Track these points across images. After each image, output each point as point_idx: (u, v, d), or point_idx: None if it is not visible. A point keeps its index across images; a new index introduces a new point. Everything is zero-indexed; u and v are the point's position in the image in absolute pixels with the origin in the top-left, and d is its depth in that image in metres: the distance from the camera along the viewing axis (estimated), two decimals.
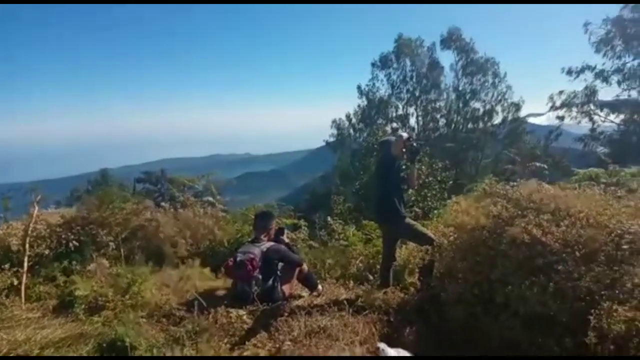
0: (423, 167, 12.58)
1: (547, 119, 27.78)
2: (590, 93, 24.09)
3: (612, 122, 24.56)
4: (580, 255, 3.24)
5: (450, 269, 4.12)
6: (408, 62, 32.29)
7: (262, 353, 3.66)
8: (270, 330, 3.93)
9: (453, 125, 31.50)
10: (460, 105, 31.37)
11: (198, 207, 6.79)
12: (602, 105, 24.58)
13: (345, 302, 4.34)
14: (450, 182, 13.33)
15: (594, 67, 23.64)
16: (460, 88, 31.43)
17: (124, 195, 7.08)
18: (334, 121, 33.63)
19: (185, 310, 4.23)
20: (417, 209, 11.82)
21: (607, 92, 24.51)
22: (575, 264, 3.20)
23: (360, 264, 5.86)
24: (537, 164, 5.89)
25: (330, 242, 6.93)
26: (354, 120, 33.08)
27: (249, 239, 5.05)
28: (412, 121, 32.31)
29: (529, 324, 3.26)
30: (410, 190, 13.02)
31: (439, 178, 13.09)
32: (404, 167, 4.95)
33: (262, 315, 4.13)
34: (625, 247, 3.06)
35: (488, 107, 30.69)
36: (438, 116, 32.13)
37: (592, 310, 2.85)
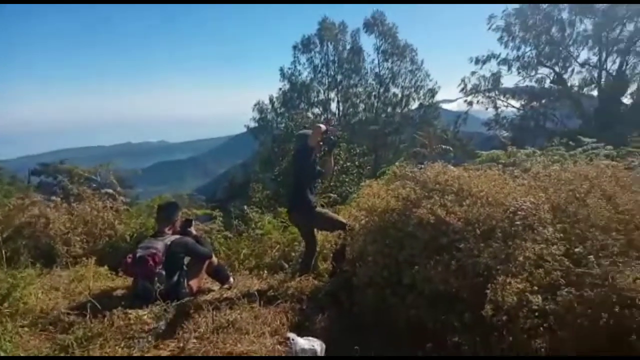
0: (341, 152, 12.70)
1: (457, 106, 29.50)
2: (495, 79, 25.93)
3: (513, 107, 26.73)
4: (480, 232, 3.34)
5: (361, 253, 4.11)
6: (330, 47, 32.42)
7: (165, 354, 3.39)
8: (175, 329, 3.66)
9: (373, 111, 32.28)
10: (381, 90, 32.17)
11: (96, 200, 6.18)
12: (505, 91, 26.63)
13: (256, 293, 4.18)
14: (369, 167, 13.63)
15: (499, 56, 25.49)
16: (381, 73, 32.20)
17: (7, 189, 6.26)
18: (256, 104, 32.68)
19: (76, 315, 3.81)
20: (334, 195, 11.95)
21: (509, 80, 26.58)
22: (476, 241, 3.30)
23: (276, 253, 5.72)
24: (443, 147, 6.14)
25: (246, 232, 6.71)
26: (276, 104, 32.55)
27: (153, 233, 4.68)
28: (334, 106, 32.62)
29: (434, 303, 3.32)
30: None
31: (357, 163, 13.31)
32: (320, 158, 4.88)
33: (165, 314, 3.83)
34: (518, 222, 3.20)
35: (406, 92, 31.82)
36: (358, 101, 32.73)
37: (489, 285, 2.94)
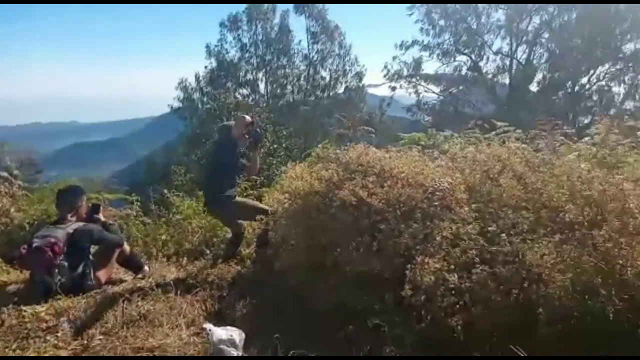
0: (268, 134, 12.47)
1: (382, 90, 30.20)
2: (416, 65, 26.85)
3: (433, 93, 27.95)
4: (401, 213, 3.35)
5: (284, 237, 3.99)
6: (259, 26, 31.51)
7: (65, 353, 3.06)
8: (77, 325, 3.32)
9: (302, 93, 32.08)
10: (311, 72, 31.95)
11: None
12: (426, 77, 27.72)
13: (172, 282, 3.92)
14: (297, 149, 13.52)
15: (422, 42, 26.39)
16: (310, 55, 31.95)
17: None
18: (180, 83, 30.86)
19: None
20: (261, 177, 11.76)
21: (430, 66, 27.66)
22: (396, 222, 3.31)
23: (197, 239, 5.45)
24: (365, 128, 6.16)
25: (166, 217, 6.33)
26: (202, 83, 31.09)
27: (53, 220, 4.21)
28: (262, 87, 31.95)
29: (357, 285, 3.30)
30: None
31: (284, 145, 13.16)
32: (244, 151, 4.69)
33: (67, 309, 3.47)
34: (436, 203, 3.25)
35: (335, 75, 31.92)
36: (286, 83, 32.33)
37: (409, 265, 2.96)
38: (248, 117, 4.50)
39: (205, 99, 30.42)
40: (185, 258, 4.86)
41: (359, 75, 31.91)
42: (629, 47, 22.08)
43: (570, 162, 3.47)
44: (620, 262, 2.63)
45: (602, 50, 21.87)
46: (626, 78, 22.67)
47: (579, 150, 4.18)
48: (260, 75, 31.94)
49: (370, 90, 33.12)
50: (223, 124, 4.94)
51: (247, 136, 4.55)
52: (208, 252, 5.06)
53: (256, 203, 4.67)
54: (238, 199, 4.64)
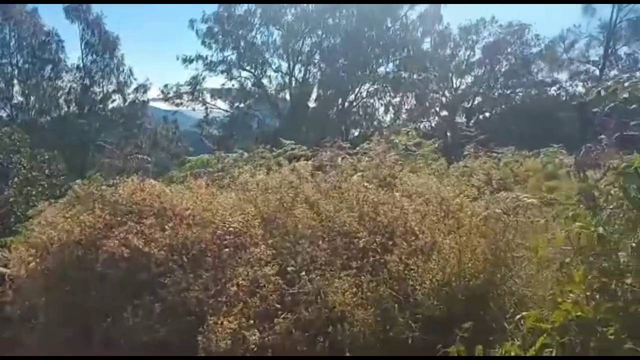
0: (23, 158, 10.06)
1: (170, 105, 28.44)
2: (198, 82, 26.28)
3: (219, 109, 27.79)
4: (188, 260, 2.81)
5: (31, 310, 2.96)
6: (14, 29, 25.61)
7: None
8: None
9: (72, 108, 27.48)
10: (87, 83, 27.53)
11: None
12: (212, 92, 27.36)
13: None
14: (64, 176, 11.22)
15: (205, 57, 25.86)
16: (82, 66, 27.50)
17: None
18: None
19: None
20: (19, 212, 9.38)
21: (217, 81, 27.40)
22: (183, 271, 2.76)
23: None
24: (140, 156, 5.29)
25: None
26: None
27: None
28: (20, 99, 26.14)
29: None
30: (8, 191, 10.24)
31: (47, 172, 10.82)
32: None
33: None
34: (227, 243, 2.82)
35: (112, 88, 28.39)
36: (54, 96, 27.22)
37: (201, 327, 2.43)
38: None
39: None
40: None
41: (144, 88, 29.17)
42: (382, 70, 26.25)
43: (357, 184, 3.50)
44: (411, 283, 2.67)
45: (363, 72, 25.39)
46: (383, 96, 26.81)
47: (362, 169, 4.35)
48: (17, 88, 26.02)
49: (156, 105, 30.77)
50: None
51: None
52: None
53: None
54: None
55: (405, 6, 24.20)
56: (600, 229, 2.00)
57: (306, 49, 26.60)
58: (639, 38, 21.16)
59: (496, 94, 26.41)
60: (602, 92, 2.29)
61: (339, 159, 5.92)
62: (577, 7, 21.86)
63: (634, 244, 1.90)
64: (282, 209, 3.20)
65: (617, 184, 1.84)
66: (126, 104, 28.77)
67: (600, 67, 22.32)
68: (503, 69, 25.68)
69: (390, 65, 25.84)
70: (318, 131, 21.29)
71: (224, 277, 2.65)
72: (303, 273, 2.61)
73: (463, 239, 2.87)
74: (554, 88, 25.66)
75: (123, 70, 27.98)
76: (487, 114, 27.17)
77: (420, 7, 24.27)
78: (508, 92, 26.14)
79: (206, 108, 26.95)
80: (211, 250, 2.84)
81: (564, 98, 24.84)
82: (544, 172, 11.56)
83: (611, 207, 1.89)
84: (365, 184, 3.51)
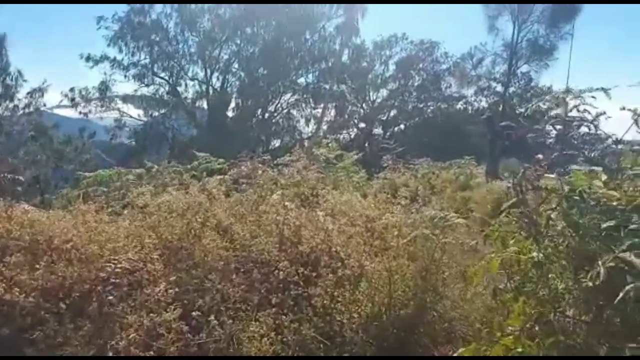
0: None
1: (76, 112, 25.89)
2: (107, 87, 24.28)
3: (132, 117, 25.91)
4: (67, 306, 2.26)
5: None
6: None
7: None
8: None
9: None
10: None
11: None
12: (125, 98, 25.45)
13: None
14: None
15: (113, 59, 23.90)
16: None
17: None
18: None
19: None
20: None
21: (129, 86, 25.50)
22: (59, 322, 2.20)
23: None
24: (10, 176, 4.46)
25: None
26: None
27: None
28: None
29: None
30: None
31: None
32: None
33: None
34: (118, 283, 2.31)
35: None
36: None
37: None
38: None
39: None
40: None
41: (40, 92, 26.30)
42: (302, 81, 26.25)
43: (276, 204, 3.15)
44: (338, 318, 2.37)
45: (283, 82, 25.19)
46: (304, 107, 26.81)
47: (283, 187, 4.01)
48: None
49: (63, 112, 27.82)
50: None
51: None
52: None
53: None
54: None
55: (324, 18, 24.51)
56: (537, 255, 1.86)
57: (224, 57, 25.85)
58: (537, 57, 23.28)
59: (410, 107, 27.63)
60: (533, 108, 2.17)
61: (259, 172, 5.57)
62: (484, 26, 23.44)
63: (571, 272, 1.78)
64: (189, 236, 2.74)
65: (559, 208, 1.69)
66: (21, 111, 25.79)
67: (504, 84, 24.19)
68: (416, 84, 26.99)
69: (310, 76, 25.96)
70: (238, 142, 20.65)
71: (113, 327, 2.14)
72: (212, 316, 2.18)
73: (393, 263, 2.64)
74: (461, 102, 27.53)
75: (10, 73, 25.00)
76: (402, 126, 28.30)
77: (338, 20, 24.73)
78: (421, 105, 27.47)
79: (122, 115, 24.96)
80: (97, 293, 2.31)
81: (470, 112, 26.73)
82: (458, 183, 12.08)
83: (552, 233, 1.74)
84: (287, 203, 3.17)
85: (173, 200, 3.06)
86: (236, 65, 26.05)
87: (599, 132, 1.82)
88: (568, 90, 1.85)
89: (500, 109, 23.01)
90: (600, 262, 1.36)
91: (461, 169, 12.93)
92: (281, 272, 2.47)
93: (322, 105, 25.92)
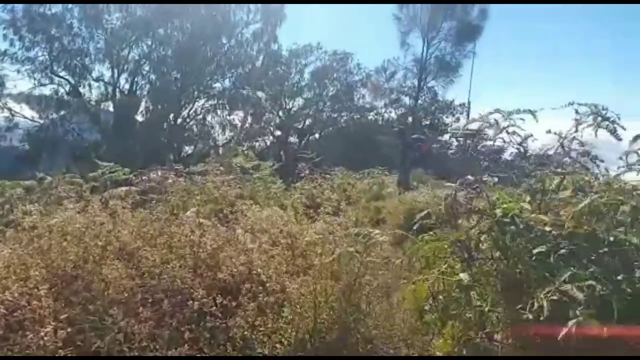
0: None
1: None
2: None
3: (24, 117, 23.23)
4: None
5: None
6: None
7: None
8: None
9: None
10: None
11: None
12: (17, 97, 22.74)
13: None
14: None
15: (4, 52, 21.25)
16: None
17: None
18: None
19: None
20: None
21: (22, 84, 22.82)
22: None
23: None
24: None
25: None
26: None
27: None
28: None
29: None
30: None
31: None
32: None
33: None
34: None
35: None
36: None
37: None
38: None
39: None
40: None
41: None
42: (218, 86, 25.44)
43: (190, 222, 2.88)
44: (260, 351, 2.19)
45: (197, 87, 24.22)
46: (219, 113, 25.98)
47: (197, 203, 3.72)
48: None
49: None
50: None
51: None
52: None
53: None
54: None
55: (241, 23, 24.10)
56: (464, 277, 1.86)
57: (134, 57, 24.23)
58: (443, 73, 24.95)
59: (324, 116, 28.15)
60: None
61: (169, 181, 5.21)
62: (397, 41, 24.59)
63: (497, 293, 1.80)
64: (86, 264, 2.38)
65: (491, 232, 1.69)
66: None
67: (412, 97, 25.59)
68: (330, 94, 27.58)
69: (227, 81, 25.31)
70: (147, 148, 19.45)
71: None
72: None
73: (317, 286, 2.52)
74: (372, 113, 28.68)
75: None
76: (317, 135, 28.73)
77: (255, 26, 24.44)
78: (335, 115, 28.12)
79: (13, 115, 22.17)
80: None
81: (380, 123, 27.94)
82: (371, 192, 12.43)
83: (481, 256, 1.74)
84: (202, 220, 2.93)
85: (68, 220, 2.66)
86: (147, 67, 24.57)
87: (528, 153, 1.86)
88: (497, 111, 1.88)
89: (410, 120, 24.32)
90: (541, 295, 1.35)
91: (375, 179, 13.42)
92: (196, 302, 2.23)
93: (237, 112, 25.41)
